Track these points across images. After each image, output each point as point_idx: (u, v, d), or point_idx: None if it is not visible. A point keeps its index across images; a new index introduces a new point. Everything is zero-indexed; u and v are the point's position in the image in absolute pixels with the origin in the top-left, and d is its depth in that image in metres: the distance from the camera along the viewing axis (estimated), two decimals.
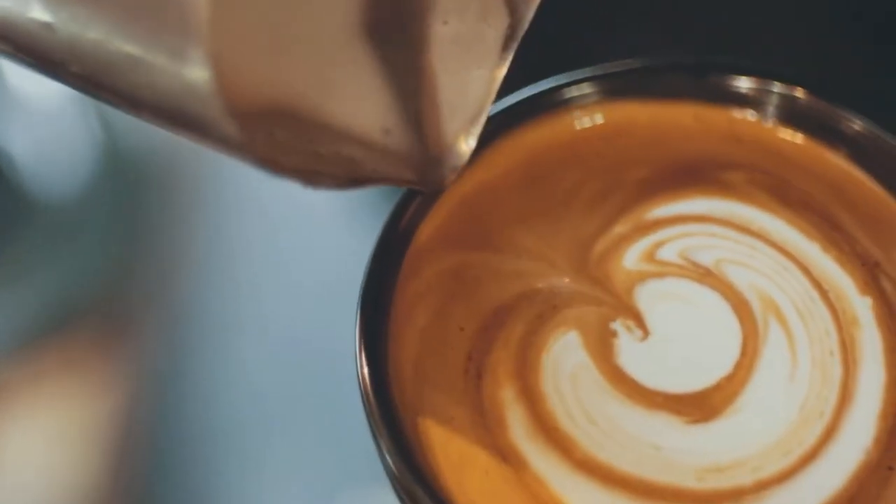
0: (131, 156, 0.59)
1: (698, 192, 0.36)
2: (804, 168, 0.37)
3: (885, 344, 0.33)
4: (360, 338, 0.33)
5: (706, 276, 0.35)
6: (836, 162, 0.37)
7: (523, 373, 0.33)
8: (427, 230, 0.36)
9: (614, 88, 0.38)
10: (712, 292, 0.34)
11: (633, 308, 0.34)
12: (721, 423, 0.32)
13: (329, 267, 0.53)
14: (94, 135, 0.59)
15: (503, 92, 0.36)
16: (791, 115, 0.37)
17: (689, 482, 0.31)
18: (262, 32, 0.28)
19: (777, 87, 0.37)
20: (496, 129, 0.36)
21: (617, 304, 0.34)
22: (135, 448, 0.51)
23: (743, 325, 0.34)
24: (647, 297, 0.34)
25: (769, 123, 0.38)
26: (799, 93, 0.37)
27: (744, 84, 0.37)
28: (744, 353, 0.33)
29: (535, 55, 0.37)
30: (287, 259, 0.55)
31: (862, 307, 0.34)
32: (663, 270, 0.35)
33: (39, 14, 0.29)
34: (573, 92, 0.38)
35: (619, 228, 0.36)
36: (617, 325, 0.34)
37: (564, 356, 0.33)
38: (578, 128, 0.38)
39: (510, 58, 0.36)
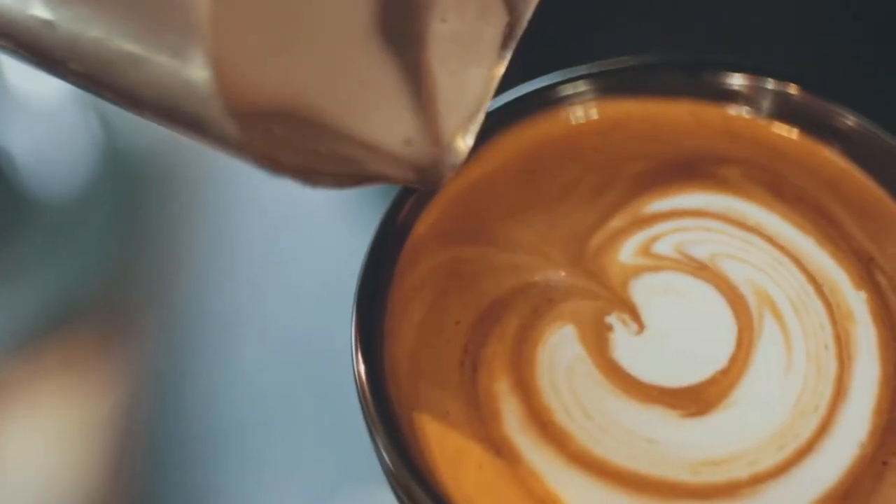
0: (131, 156, 0.59)
1: (694, 187, 0.36)
2: (799, 163, 0.37)
3: (880, 339, 0.33)
4: (356, 335, 0.33)
5: (701, 270, 0.35)
6: (831, 158, 0.37)
7: (519, 366, 0.33)
8: (423, 225, 0.36)
9: (610, 86, 0.38)
10: (707, 286, 0.34)
11: (628, 302, 0.34)
12: (716, 417, 0.32)
13: (329, 266, 0.53)
14: (93, 134, 0.59)
15: (501, 90, 0.36)
16: (785, 112, 0.37)
17: (684, 476, 0.31)
18: (263, 33, 0.28)
19: (771, 84, 0.37)
20: (492, 125, 0.36)
21: (612, 298, 0.34)
22: (135, 448, 0.51)
23: (738, 319, 0.34)
24: (643, 291, 0.34)
25: (764, 120, 0.38)
26: (793, 89, 0.37)
27: (738, 81, 0.38)
28: (739, 346, 0.33)
29: (534, 54, 0.37)
30: (287, 259, 0.55)
31: (856, 301, 0.34)
32: (659, 264, 0.35)
33: (40, 11, 0.30)
34: (569, 89, 0.38)
35: (615, 222, 0.36)
36: (612, 319, 0.34)
37: (560, 350, 0.33)
38: (574, 123, 0.38)
39: (509, 56, 0.36)
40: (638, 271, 0.35)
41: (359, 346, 0.33)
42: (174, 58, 0.28)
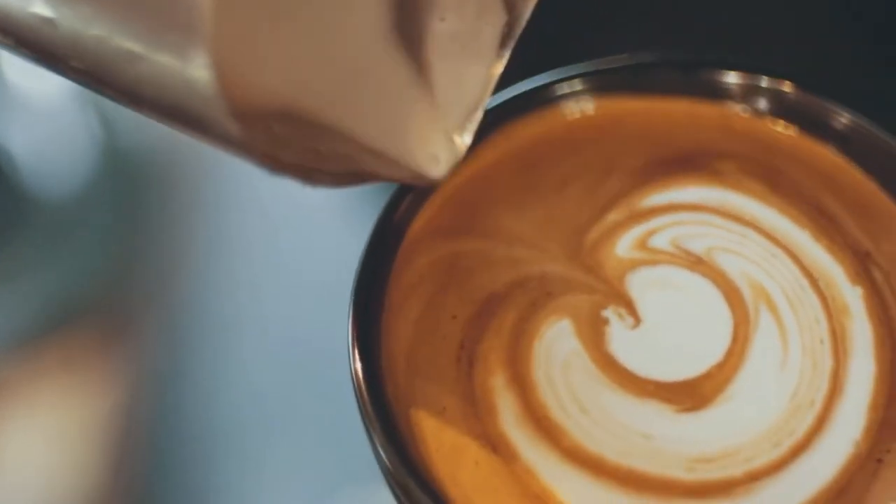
0: (131, 155, 0.59)
1: (690, 181, 0.36)
2: (796, 158, 0.37)
3: (876, 335, 0.33)
4: (353, 333, 0.33)
5: (697, 263, 0.35)
6: (827, 154, 0.37)
7: (515, 361, 0.33)
8: (420, 222, 0.36)
9: (607, 84, 0.38)
10: (704, 280, 0.34)
11: (624, 296, 0.34)
12: (712, 412, 0.32)
13: (329, 266, 0.53)
14: (93, 134, 0.59)
15: (499, 88, 0.36)
16: (781, 109, 0.37)
17: (679, 473, 0.31)
18: (266, 34, 0.28)
19: (766, 82, 0.37)
20: (490, 123, 0.36)
21: (609, 292, 0.34)
22: (135, 448, 0.51)
23: (734, 313, 0.34)
24: (639, 285, 0.34)
25: (760, 117, 0.38)
26: (787, 87, 0.37)
27: (734, 80, 0.38)
28: (735, 340, 0.33)
29: (533, 54, 0.37)
30: (286, 258, 0.55)
31: (852, 297, 0.34)
32: (655, 258, 0.35)
33: (41, 9, 0.29)
34: (566, 88, 0.38)
35: (612, 216, 0.36)
36: (609, 313, 0.34)
37: (556, 344, 0.33)
38: (571, 120, 0.38)
39: (507, 55, 0.36)
40: (634, 265, 0.35)
41: (356, 344, 0.33)
42: (176, 57, 0.28)
